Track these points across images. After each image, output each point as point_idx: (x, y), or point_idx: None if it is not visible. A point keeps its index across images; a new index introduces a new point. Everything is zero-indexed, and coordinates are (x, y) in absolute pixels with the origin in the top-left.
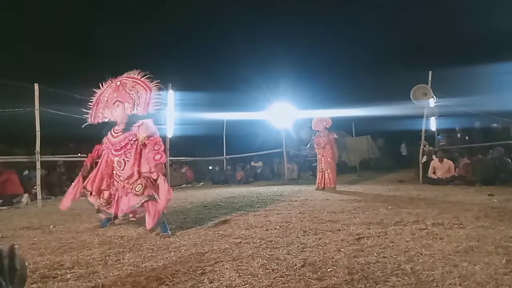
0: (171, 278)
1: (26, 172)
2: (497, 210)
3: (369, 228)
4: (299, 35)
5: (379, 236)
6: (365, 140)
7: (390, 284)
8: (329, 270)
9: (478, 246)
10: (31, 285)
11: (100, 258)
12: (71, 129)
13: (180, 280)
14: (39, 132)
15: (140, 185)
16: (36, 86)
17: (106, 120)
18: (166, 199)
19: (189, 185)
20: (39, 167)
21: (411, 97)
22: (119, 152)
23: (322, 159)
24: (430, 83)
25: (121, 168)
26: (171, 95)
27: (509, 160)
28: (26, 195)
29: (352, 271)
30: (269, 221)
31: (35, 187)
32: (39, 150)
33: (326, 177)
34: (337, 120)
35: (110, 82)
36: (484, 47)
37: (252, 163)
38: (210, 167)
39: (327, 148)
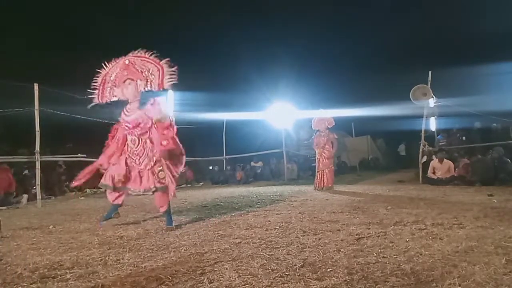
0: (170, 278)
1: (26, 172)
2: (496, 210)
3: (369, 228)
4: (299, 35)
5: (379, 236)
6: (365, 140)
7: (389, 284)
8: (328, 270)
9: (478, 246)
10: (31, 285)
11: (100, 258)
12: (71, 129)
13: (179, 280)
14: (39, 132)
15: (163, 172)
16: (36, 86)
17: (116, 99)
18: (171, 188)
19: (189, 185)
20: (39, 167)
21: (411, 97)
22: (134, 131)
23: (321, 159)
24: (430, 83)
25: (135, 146)
26: (171, 95)
27: (509, 160)
28: (25, 196)
29: (352, 271)
30: (269, 221)
31: (35, 187)
32: (38, 150)
33: (324, 177)
34: (337, 120)
35: (115, 62)
36: (484, 47)
37: (252, 163)
38: (210, 167)
39: (326, 148)
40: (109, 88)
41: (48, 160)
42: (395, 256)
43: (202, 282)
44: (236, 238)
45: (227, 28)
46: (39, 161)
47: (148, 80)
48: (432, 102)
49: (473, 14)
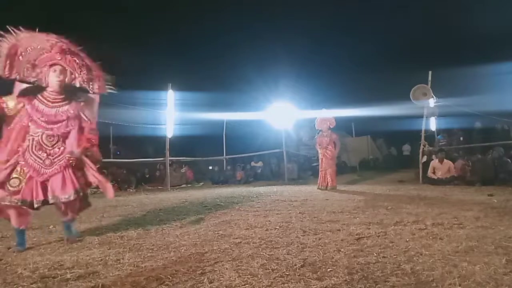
0: (171, 278)
1: None
2: (497, 210)
3: (369, 228)
4: (299, 35)
5: (379, 236)
6: (365, 140)
7: (390, 284)
8: (329, 270)
9: (478, 246)
10: (31, 285)
11: (100, 258)
12: None
13: (180, 280)
14: None
15: (84, 175)
16: None
17: (31, 80)
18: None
19: (189, 185)
20: None
21: (411, 97)
22: (54, 126)
23: (323, 159)
24: (430, 83)
25: (51, 144)
26: (171, 95)
27: (509, 160)
28: None
29: (352, 271)
30: (269, 221)
31: None
32: None
33: (327, 176)
34: (337, 120)
35: (40, 35)
36: (484, 47)
37: (252, 163)
38: (210, 167)
39: (329, 148)
40: (24, 63)
41: None
42: (395, 256)
43: (202, 282)
44: (236, 238)
45: (227, 28)
46: None
47: (82, 77)
48: (432, 102)
49: (473, 14)
